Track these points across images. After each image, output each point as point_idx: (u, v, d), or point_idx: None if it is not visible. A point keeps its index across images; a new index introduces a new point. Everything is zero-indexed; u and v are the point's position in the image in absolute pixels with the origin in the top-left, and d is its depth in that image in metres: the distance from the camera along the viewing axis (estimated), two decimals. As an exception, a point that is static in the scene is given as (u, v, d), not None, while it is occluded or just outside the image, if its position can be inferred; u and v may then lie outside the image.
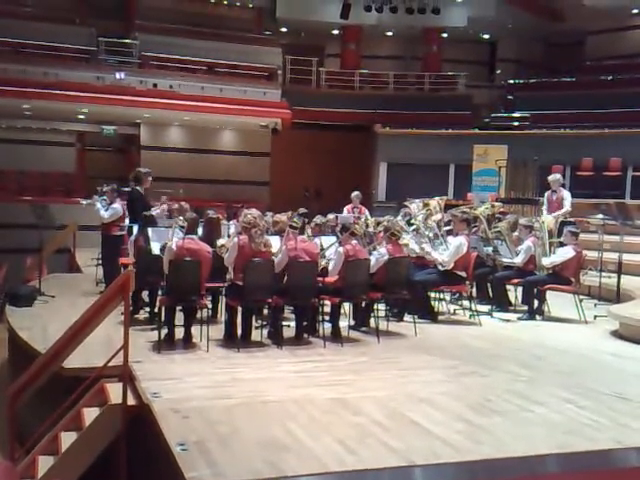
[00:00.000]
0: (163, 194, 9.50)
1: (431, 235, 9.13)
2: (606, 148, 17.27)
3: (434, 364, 6.43)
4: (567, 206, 10.84)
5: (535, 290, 8.88)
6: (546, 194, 11.33)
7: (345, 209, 12.33)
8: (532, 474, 4.18)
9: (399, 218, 10.28)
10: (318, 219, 9.09)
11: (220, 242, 7.45)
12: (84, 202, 11.05)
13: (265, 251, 6.93)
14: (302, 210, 10.12)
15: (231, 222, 9.38)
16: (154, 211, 8.81)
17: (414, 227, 9.41)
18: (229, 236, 7.99)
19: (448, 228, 9.24)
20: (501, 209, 11.37)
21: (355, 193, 12.55)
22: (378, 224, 9.18)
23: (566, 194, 11.03)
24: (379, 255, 7.75)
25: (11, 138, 18.71)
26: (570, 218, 10.82)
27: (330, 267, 7.46)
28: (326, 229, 9.06)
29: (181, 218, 7.32)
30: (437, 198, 10.76)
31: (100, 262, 10.40)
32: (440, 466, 4.02)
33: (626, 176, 17.34)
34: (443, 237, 9.03)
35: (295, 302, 7.30)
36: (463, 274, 8.41)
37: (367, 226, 9.47)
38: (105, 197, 10.15)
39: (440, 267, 8.51)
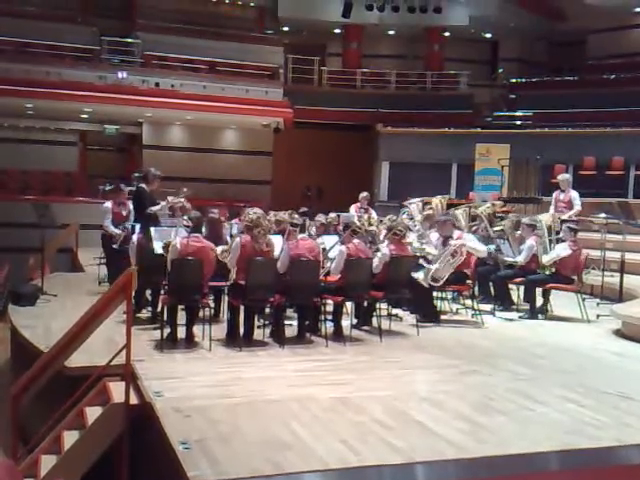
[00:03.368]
0: (171, 194, 9.18)
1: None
2: (609, 147, 17.26)
3: (436, 363, 6.43)
4: (578, 206, 10.89)
5: (537, 289, 8.88)
6: (554, 193, 11.32)
7: (352, 208, 12.28)
8: (534, 471, 4.18)
9: (404, 216, 10.28)
10: (322, 218, 9.07)
11: (220, 249, 7.37)
12: (117, 231, 9.53)
13: (267, 251, 6.93)
14: (303, 209, 10.11)
15: (233, 221, 9.35)
16: (159, 206, 8.59)
17: (417, 228, 9.43)
18: (232, 236, 7.96)
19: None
20: (502, 208, 11.36)
21: (364, 194, 12.45)
22: (380, 222, 9.18)
23: (575, 194, 11.04)
24: (382, 256, 7.74)
25: (14, 137, 18.74)
26: (573, 217, 10.80)
27: (332, 266, 7.46)
28: (330, 228, 9.05)
29: (185, 218, 7.31)
30: (439, 197, 10.75)
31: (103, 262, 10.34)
32: (442, 463, 4.03)
33: (629, 175, 17.33)
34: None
35: (297, 301, 7.30)
36: (467, 271, 8.38)
37: (370, 224, 9.47)
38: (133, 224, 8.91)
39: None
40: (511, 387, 5.55)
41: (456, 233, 8.51)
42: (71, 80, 17.07)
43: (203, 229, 7.42)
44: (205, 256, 6.78)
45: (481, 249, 8.42)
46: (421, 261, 8.37)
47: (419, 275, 8.01)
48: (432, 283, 8.08)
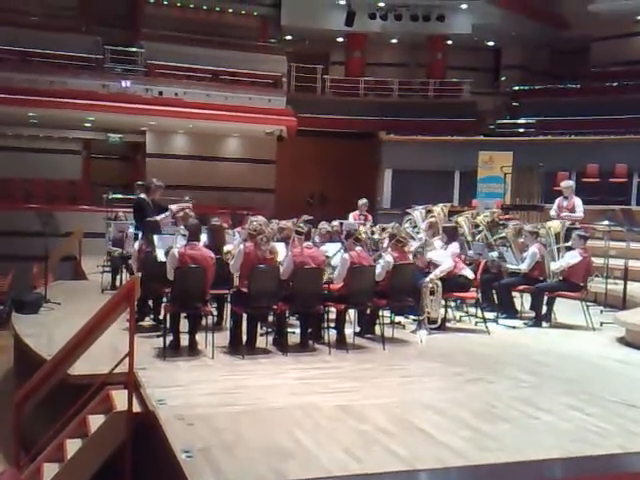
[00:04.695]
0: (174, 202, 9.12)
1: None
2: (612, 154, 17.25)
3: (440, 371, 6.41)
4: (580, 212, 10.81)
5: (544, 297, 8.85)
6: (557, 200, 11.26)
7: (351, 216, 12.34)
8: (537, 479, 4.16)
9: (406, 225, 10.28)
10: (325, 225, 9.06)
11: (226, 248, 7.48)
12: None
13: (271, 258, 6.94)
14: (306, 217, 10.10)
15: (236, 230, 9.34)
16: (165, 214, 8.59)
17: (420, 236, 9.42)
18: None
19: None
20: (502, 215, 11.35)
21: (363, 201, 12.54)
22: (383, 230, 9.17)
23: (578, 201, 10.98)
24: (385, 263, 7.73)
25: (17, 146, 18.83)
26: (577, 224, 10.77)
27: (335, 274, 7.46)
28: (335, 236, 9.04)
29: (182, 227, 7.34)
30: (441, 205, 10.75)
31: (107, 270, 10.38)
32: (444, 470, 4.01)
33: (632, 182, 17.31)
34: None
35: (300, 309, 7.29)
36: (469, 275, 8.32)
37: (372, 233, 9.46)
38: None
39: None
40: (515, 395, 5.54)
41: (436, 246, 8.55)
42: (75, 89, 17.16)
43: (202, 237, 7.43)
44: (204, 264, 6.79)
45: (445, 268, 8.18)
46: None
47: (421, 333, 8.00)
48: (432, 326, 8.09)
